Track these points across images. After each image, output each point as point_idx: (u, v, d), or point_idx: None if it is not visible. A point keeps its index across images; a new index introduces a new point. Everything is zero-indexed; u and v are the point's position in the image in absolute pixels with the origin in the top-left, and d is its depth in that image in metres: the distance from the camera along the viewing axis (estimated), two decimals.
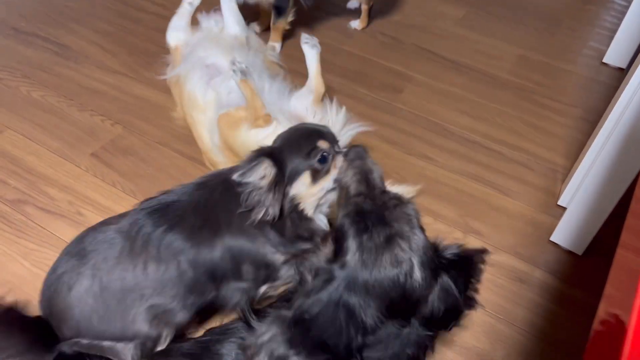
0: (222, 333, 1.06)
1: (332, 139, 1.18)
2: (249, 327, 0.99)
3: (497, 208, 1.71)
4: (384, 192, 0.98)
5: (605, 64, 2.36)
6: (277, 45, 2.30)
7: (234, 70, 1.48)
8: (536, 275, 1.52)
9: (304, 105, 1.63)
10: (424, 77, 2.24)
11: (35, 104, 2.01)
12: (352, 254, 0.85)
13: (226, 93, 1.63)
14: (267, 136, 1.48)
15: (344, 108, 1.59)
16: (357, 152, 1.06)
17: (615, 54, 2.34)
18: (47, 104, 2.01)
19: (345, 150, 1.16)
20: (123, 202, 1.66)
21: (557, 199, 1.73)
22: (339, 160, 1.15)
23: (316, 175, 1.14)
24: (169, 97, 2.00)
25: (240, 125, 1.49)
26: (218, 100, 1.62)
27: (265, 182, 1.06)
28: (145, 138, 1.89)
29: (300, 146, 1.13)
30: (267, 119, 1.49)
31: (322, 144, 1.14)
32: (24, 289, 1.42)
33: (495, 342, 1.37)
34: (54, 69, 2.17)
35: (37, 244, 1.53)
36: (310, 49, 1.62)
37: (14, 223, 1.58)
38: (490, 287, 1.48)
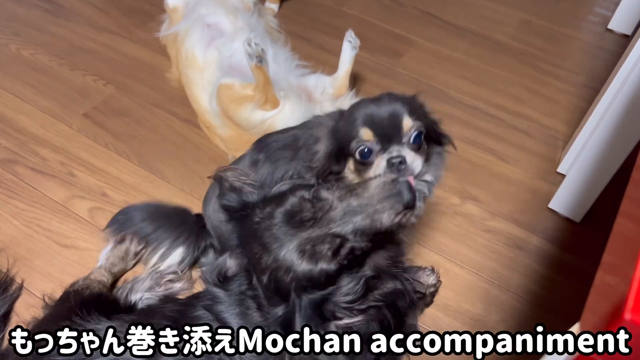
0: (195, 297, 1.05)
1: (391, 129, 0.98)
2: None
3: (496, 175, 1.69)
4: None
5: (610, 30, 2.30)
6: (275, 7, 2.24)
7: (249, 54, 1.41)
8: (533, 242, 1.51)
9: (316, 83, 1.61)
10: (426, 41, 2.19)
11: (25, 62, 1.96)
12: None
13: (228, 55, 1.58)
14: (271, 117, 1.46)
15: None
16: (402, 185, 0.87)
17: (620, 21, 2.29)
18: (38, 63, 1.96)
19: (394, 158, 0.98)
20: (116, 164, 1.63)
21: (557, 166, 1.71)
22: (381, 164, 0.99)
23: (357, 166, 1.03)
24: (163, 58, 1.96)
25: (244, 104, 1.45)
26: (219, 62, 1.58)
27: (319, 149, 1.05)
28: (139, 99, 1.85)
29: (351, 128, 1.01)
30: (275, 103, 1.45)
31: (365, 135, 0.98)
32: (15, 248, 1.40)
33: (490, 307, 1.36)
34: (45, 27, 2.11)
35: (28, 204, 1.51)
36: (350, 49, 1.62)
37: (5, 183, 1.55)
38: (486, 253, 1.47)
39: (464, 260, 1.45)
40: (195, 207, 1.53)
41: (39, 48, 2.01)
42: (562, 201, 1.55)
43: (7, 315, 1.26)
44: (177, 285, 1.28)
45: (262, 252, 0.85)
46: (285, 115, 1.48)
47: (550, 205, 1.57)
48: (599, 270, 0.71)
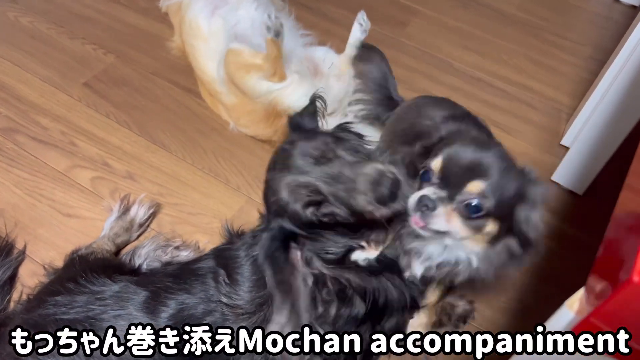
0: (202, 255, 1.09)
1: (455, 178, 0.87)
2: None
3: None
4: None
5: (617, 1, 2.26)
6: None
7: (267, 27, 1.39)
8: None
9: (324, 57, 1.59)
10: (430, 11, 2.15)
11: (23, 30, 1.93)
12: None
13: (233, 24, 1.56)
14: (277, 90, 1.44)
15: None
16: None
17: None
18: (37, 31, 1.93)
19: (425, 199, 0.87)
20: (117, 133, 1.62)
21: (560, 138, 1.70)
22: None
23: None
24: (164, 27, 1.93)
25: (251, 72, 1.43)
26: (225, 30, 1.55)
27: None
28: (139, 68, 1.83)
29: (437, 149, 0.93)
30: (283, 77, 1.44)
31: (434, 165, 0.89)
32: (18, 216, 1.41)
33: None
34: None
35: (30, 173, 1.51)
36: (360, 32, 1.58)
37: (6, 152, 1.55)
38: None
39: None
40: (196, 177, 1.53)
41: (37, 16, 1.98)
42: (565, 173, 1.55)
43: (12, 279, 1.28)
44: (183, 253, 1.29)
45: (275, 173, 0.91)
46: (292, 90, 1.46)
47: (553, 178, 1.57)
48: (602, 246, 0.71)
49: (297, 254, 0.92)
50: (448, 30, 2.08)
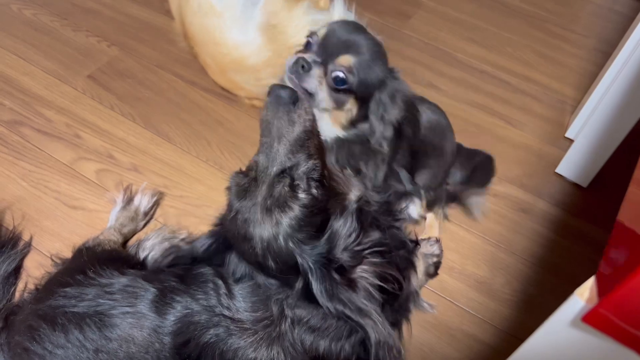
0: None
1: (330, 51, 1.00)
2: None
3: (504, 139, 1.68)
4: None
5: None
6: None
7: None
8: (540, 206, 1.51)
9: None
10: (434, 3, 2.14)
11: (27, 22, 1.92)
12: None
13: None
14: (319, 21, 1.44)
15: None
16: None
17: None
18: (40, 23, 1.92)
19: (302, 61, 1.00)
20: (122, 126, 1.62)
21: (565, 130, 1.70)
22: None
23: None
24: (168, 19, 1.92)
25: (300, 2, 1.45)
26: None
27: None
28: (143, 60, 1.82)
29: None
30: (327, 3, 1.45)
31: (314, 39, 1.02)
32: (24, 208, 1.41)
33: (496, 269, 1.38)
34: None
35: (35, 165, 1.51)
36: None
37: (11, 144, 1.55)
38: (493, 216, 1.48)
39: (470, 224, 1.46)
40: (201, 169, 1.53)
41: (40, 8, 1.98)
42: (569, 166, 1.55)
43: (18, 270, 1.28)
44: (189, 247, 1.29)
45: (244, 242, 0.88)
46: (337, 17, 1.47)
47: (558, 170, 1.57)
48: (613, 230, 0.70)
49: None
50: (452, 22, 2.07)
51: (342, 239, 0.87)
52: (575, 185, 1.56)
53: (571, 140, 1.61)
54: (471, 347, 1.24)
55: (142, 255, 1.25)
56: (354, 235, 0.88)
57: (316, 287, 0.83)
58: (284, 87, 0.87)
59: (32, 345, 0.93)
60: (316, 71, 0.98)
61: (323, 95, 0.99)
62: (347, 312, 0.83)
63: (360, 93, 1.00)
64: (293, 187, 0.84)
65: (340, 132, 1.06)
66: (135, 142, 1.59)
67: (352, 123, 1.05)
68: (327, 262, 0.85)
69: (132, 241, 1.36)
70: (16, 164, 1.51)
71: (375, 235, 0.93)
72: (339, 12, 1.55)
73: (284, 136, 0.86)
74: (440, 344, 1.25)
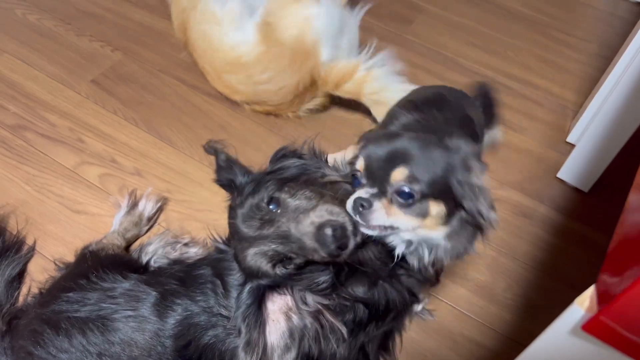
0: (203, 259, 1.09)
1: (380, 173, 0.87)
2: None
3: (505, 143, 1.68)
4: None
5: None
6: None
7: None
8: (541, 210, 1.52)
9: None
10: (436, 8, 2.15)
11: (31, 27, 1.94)
12: None
13: None
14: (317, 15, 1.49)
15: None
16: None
17: None
18: (44, 28, 1.94)
19: (360, 200, 0.87)
20: (125, 130, 1.63)
21: (566, 135, 1.70)
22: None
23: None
24: (170, 24, 1.93)
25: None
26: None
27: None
28: (146, 65, 1.83)
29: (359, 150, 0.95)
30: None
31: (359, 165, 0.90)
32: (28, 212, 1.42)
33: (497, 274, 1.38)
34: None
35: (39, 169, 1.52)
36: None
37: (15, 149, 1.56)
38: None
39: None
40: (204, 174, 1.54)
41: (44, 13, 1.99)
42: (570, 171, 1.55)
43: (21, 274, 1.29)
44: (192, 250, 1.30)
45: (234, 243, 0.91)
46: (329, 11, 1.49)
47: (559, 175, 1.57)
48: (611, 247, 0.71)
49: (276, 304, 0.90)
50: (454, 27, 2.08)
51: (311, 283, 0.90)
52: (577, 190, 1.57)
53: (572, 145, 1.62)
54: (472, 352, 1.25)
55: (144, 259, 1.26)
56: (322, 286, 0.90)
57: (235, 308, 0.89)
58: (338, 237, 0.85)
59: (36, 349, 0.94)
60: (377, 205, 0.86)
61: (401, 219, 0.87)
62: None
63: (436, 192, 0.86)
64: (274, 265, 0.88)
65: (444, 231, 0.91)
66: (138, 146, 1.60)
67: (449, 217, 0.90)
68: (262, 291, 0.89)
69: (135, 245, 1.37)
70: (20, 168, 1.52)
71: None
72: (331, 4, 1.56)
73: (304, 251, 0.86)
74: (442, 349, 1.25)
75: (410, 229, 0.88)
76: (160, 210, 1.44)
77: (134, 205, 1.38)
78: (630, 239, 0.59)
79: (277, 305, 0.88)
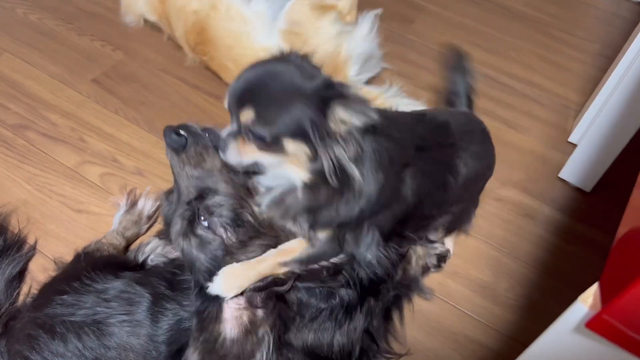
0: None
1: (233, 106, 0.78)
2: None
3: (507, 143, 1.68)
4: None
5: None
6: None
7: None
8: (543, 210, 1.51)
9: None
10: (437, 7, 2.15)
11: (32, 26, 1.94)
12: None
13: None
14: (340, 34, 1.47)
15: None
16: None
17: None
18: (45, 27, 1.94)
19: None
20: (126, 130, 1.63)
21: (568, 135, 1.70)
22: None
23: None
24: None
25: (327, 13, 1.46)
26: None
27: None
28: (147, 65, 1.83)
29: None
30: (354, 16, 1.47)
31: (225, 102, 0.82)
32: (29, 212, 1.42)
33: (499, 274, 1.38)
34: None
35: (40, 169, 1.52)
36: None
37: (16, 148, 1.56)
38: (496, 221, 1.48)
39: (474, 229, 1.46)
40: None
41: (46, 12, 1.99)
42: (572, 171, 1.55)
43: (22, 273, 1.29)
44: None
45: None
46: (359, 34, 1.49)
47: (561, 175, 1.57)
48: (614, 246, 0.70)
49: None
50: (455, 27, 2.08)
51: None
52: (579, 190, 1.56)
53: (574, 145, 1.61)
54: (475, 352, 1.24)
55: (140, 258, 1.26)
56: None
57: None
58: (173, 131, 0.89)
59: (31, 354, 0.93)
60: (233, 144, 0.79)
61: (257, 157, 0.79)
62: None
63: (290, 131, 0.74)
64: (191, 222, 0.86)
65: (305, 175, 0.79)
66: (139, 145, 1.60)
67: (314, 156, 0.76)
68: None
69: (135, 245, 1.36)
70: (21, 168, 1.51)
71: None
72: (365, 29, 1.58)
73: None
74: (444, 349, 1.24)
75: (272, 165, 0.80)
76: (159, 208, 1.44)
77: (133, 204, 1.38)
78: (634, 236, 0.58)
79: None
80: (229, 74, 1.66)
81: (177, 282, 0.98)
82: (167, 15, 1.74)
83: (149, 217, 1.39)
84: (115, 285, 0.98)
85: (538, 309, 1.32)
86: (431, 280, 1.33)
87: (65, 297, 0.98)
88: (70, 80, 1.76)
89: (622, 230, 0.67)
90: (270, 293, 0.85)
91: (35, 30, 1.92)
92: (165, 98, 1.73)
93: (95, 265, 1.07)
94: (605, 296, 0.57)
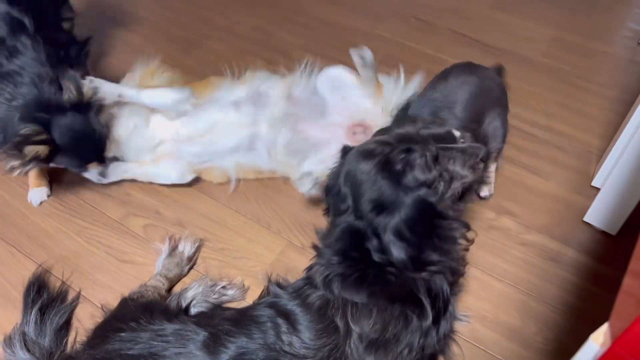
0: (258, 301, 1.16)
1: None
2: None
3: (531, 189, 1.73)
4: None
5: None
6: None
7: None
8: (569, 254, 1.54)
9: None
10: (458, 60, 2.24)
11: None
12: None
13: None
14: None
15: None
16: None
17: None
18: None
19: None
20: (168, 185, 1.74)
21: (591, 179, 1.73)
22: None
23: None
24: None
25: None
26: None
27: None
28: None
29: None
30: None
31: None
32: (79, 263, 1.53)
33: (527, 318, 1.40)
34: None
35: (89, 222, 1.63)
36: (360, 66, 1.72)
37: (68, 203, 1.69)
38: (522, 265, 1.51)
39: (501, 273, 1.50)
40: (240, 222, 1.62)
41: None
42: (597, 214, 1.58)
43: (68, 322, 1.37)
44: (230, 292, 1.37)
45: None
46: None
47: (586, 219, 1.60)
48: (626, 275, 0.75)
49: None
50: None
51: None
52: (604, 233, 1.59)
53: (597, 189, 1.65)
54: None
55: (183, 304, 1.33)
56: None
57: None
58: None
59: None
60: None
61: None
62: None
63: None
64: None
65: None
66: (179, 198, 1.70)
67: None
68: None
69: (175, 289, 1.44)
70: (72, 221, 1.63)
71: None
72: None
73: None
74: None
75: None
76: (198, 250, 1.53)
77: (174, 247, 1.49)
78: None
79: None
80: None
81: (248, 318, 1.05)
82: None
83: (189, 259, 1.49)
84: (172, 326, 1.05)
85: (568, 352, 1.31)
86: (461, 326, 1.36)
87: (123, 334, 1.05)
88: None
89: (632, 268, 0.72)
90: None
91: None
92: None
93: (145, 309, 1.14)
94: (615, 334, 0.61)
